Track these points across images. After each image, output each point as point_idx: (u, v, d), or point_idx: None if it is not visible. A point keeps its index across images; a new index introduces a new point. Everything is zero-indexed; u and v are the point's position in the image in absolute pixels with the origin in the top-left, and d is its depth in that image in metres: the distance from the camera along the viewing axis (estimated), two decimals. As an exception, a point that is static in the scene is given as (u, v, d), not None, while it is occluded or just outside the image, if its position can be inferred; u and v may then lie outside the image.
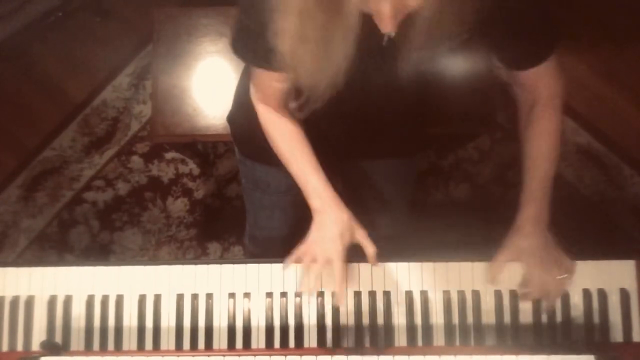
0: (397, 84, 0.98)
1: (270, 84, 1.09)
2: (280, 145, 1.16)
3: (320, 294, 1.14)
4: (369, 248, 1.11)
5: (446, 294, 1.13)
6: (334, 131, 1.22)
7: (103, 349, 1.13)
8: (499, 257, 1.12)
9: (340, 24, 0.80)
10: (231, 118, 1.42)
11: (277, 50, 0.89)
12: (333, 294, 1.12)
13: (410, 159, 1.44)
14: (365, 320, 1.13)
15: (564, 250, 1.11)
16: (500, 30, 0.98)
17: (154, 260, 2.05)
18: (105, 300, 1.14)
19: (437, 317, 1.13)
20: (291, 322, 1.13)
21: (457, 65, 1.01)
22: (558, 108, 1.11)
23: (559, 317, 1.12)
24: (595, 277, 1.14)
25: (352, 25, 0.80)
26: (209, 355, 1.05)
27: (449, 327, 1.12)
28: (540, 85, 1.10)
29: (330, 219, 1.12)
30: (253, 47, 1.00)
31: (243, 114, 1.35)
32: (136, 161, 2.18)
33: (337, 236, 1.09)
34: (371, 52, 0.94)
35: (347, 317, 1.13)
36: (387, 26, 0.82)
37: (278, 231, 1.49)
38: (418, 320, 1.12)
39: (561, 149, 1.13)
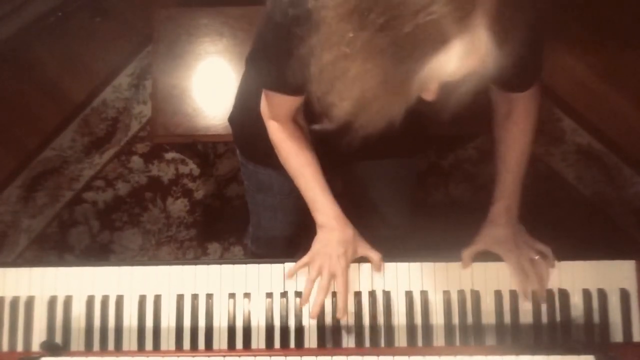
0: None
1: (287, 104, 1.11)
2: (289, 161, 1.18)
3: (320, 294, 1.14)
4: (374, 256, 1.15)
5: (446, 294, 1.13)
6: (335, 131, 1.22)
7: (103, 349, 1.13)
8: (473, 246, 1.16)
9: (401, 101, 0.81)
10: (233, 119, 1.42)
11: (304, 84, 0.89)
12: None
13: (410, 159, 1.44)
14: (365, 320, 1.13)
15: (546, 241, 1.17)
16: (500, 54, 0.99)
17: (154, 260, 2.05)
18: (105, 300, 1.15)
19: (437, 317, 1.13)
20: (291, 322, 1.13)
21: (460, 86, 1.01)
22: (533, 111, 1.16)
23: (559, 317, 1.12)
24: (595, 277, 1.14)
25: (410, 100, 0.81)
26: (209, 356, 1.05)
27: (449, 327, 1.12)
28: (521, 98, 1.14)
29: (335, 237, 1.14)
30: (277, 75, 1.00)
31: (244, 116, 1.35)
32: (136, 161, 2.18)
33: (342, 254, 1.12)
34: None
35: (347, 317, 1.13)
36: (430, 97, 0.84)
37: (281, 232, 1.49)
38: (418, 320, 1.12)
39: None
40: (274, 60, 0.98)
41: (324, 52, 0.81)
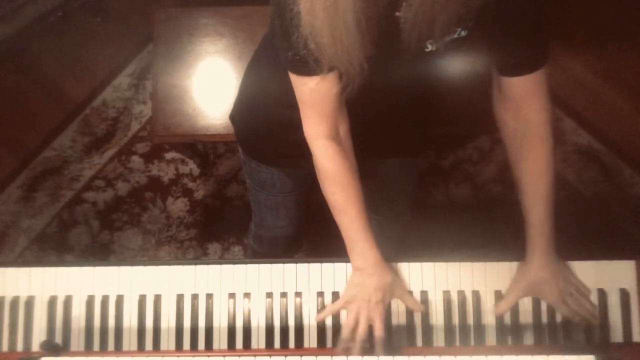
0: (403, 83, 0.98)
1: (319, 93, 1.04)
2: (335, 194, 1.11)
3: (320, 294, 1.14)
4: (415, 307, 1.12)
5: (446, 294, 1.13)
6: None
7: (103, 350, 1.13)
8: (511, 294, 1.12)
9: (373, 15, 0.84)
10: (234, 117, 1.41)
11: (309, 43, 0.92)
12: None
13: (412, 159, 1.44)
14: (365, 320, 1.12)
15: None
16: (500, 30, 0.99)
17: (154, 260, 2.05)
18: (105, 300, 1.14)
19: (437, 317, 1.13)
20: (291, 322, 1.13)
21: (458, 65, 1.01)
22: (548, 138, 1.08)
23: (559, 317, 1.12)
24: (595, 277, 1.14)
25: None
26: (209, 356, 1.05)
27: (449, 327, 1.12)
28: (529, 107, 1.07)
29: (374, 283, 1.09)
30: (293, 51, 0.98)
31: (247, 113, 1.34)
32: (136, 161, 2.18)
33: (380, 300, 1.09)
34: (385, 35, 0.95)
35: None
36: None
37: (283, 231, 1.49)
38: (418, 320, 1.12)
39: (557, 149, 1.11)
40: (286, 37, 0.96)
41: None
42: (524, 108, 1.07)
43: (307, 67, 0.99)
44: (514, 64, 1.05)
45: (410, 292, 1.13)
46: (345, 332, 1.08)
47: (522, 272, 1.12)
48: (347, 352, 1.06)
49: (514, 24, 0.98)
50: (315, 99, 1.05)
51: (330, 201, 1.11)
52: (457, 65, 1.03)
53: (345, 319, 1.11)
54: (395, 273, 1.13)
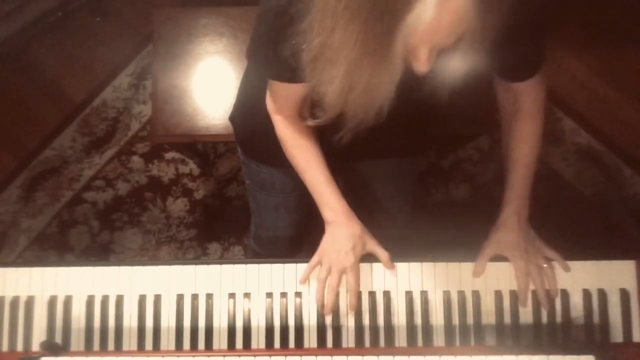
0: (408, 93, 0.99)
1: (290, 94, 1.11)
2: (295, 157, 1.19)
3: (320, 294, 1.14)
4: (383, 255, 1.15)
5: (446, 294, 1.13)
6: (330, 126, 1.22)
7: (103, 349, 1.13)
8: (484, 252, 1.15)
9: (386, 72, 0.82)
10: (234, 118, 1.41)
11: (305, 72, 0.91)
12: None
13: (411, 159, 1.44)
14: (365, 320, 1.13)
15: (546, 242, 1.17)
16: (501, 39, 0.99)
17: (154, 260, 2.05)
18: (105, 300, 1.15)
19: (437, 317, 1.13)
20: (291, 322, 1.13)
21: (458, 66, 1.01)
22: (540, 111, 1.16)
23: (559, 317, 1.12)
24: (595, 277, 1.14)
25: (397, 71, 0.83)
26: (209, 356, 1.05)
27: (449, 327, 1.12)
28: (526, 92, 1.14)
29: (343, 232, 1.14)
30: (276, 63, 1.00)
31: (246, 114, 1.35)
32: (136, 161, 2.18)
33: (350, 249, 1.12)
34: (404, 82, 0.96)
35: (347, 317, 1.13)
36: (422, 67, 0.85)
37: (283, 231, 1.49)
38: (418, 320, 1.12)
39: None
40: (271, 48, 0.98)
41: (315, 35, 0.83)
42: (523, 96, 1.15)
43: (288, 76, 1.00)
44: (512, 72, 1.11)
45: (386, 252, 1.15)
46: (318, 285, 1.12)
47: (493, 231, 1.17)
48: (322, 308, 1.11)
49: (514, 33, 0.99)
50: (288, 94, 1.10)
51: (293, 164, 1.19)
52: (457, 69, 1.04)
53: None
54: (364, 226, 1.16)
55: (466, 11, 0.75)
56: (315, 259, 1.15)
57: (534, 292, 1.13)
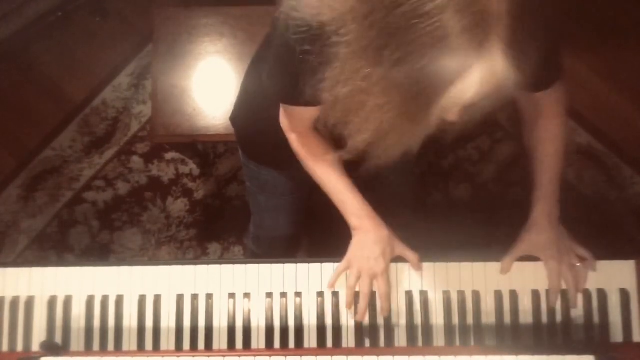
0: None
1: (306, 117, 1.10)
2: (316, 171, 1.17)
3: (320, 294, 1.14)
4: (412, 257, 1.14)
5: (446, 294, 1.13)
6: (350, 161, 1.22)
7: (103, 350, 1.13)
8: (515, 251, 1.14)
9: (421, 129, 0.82)
10: (235, 120, 1.41)
11: (320, 95, 0.87)
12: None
13: (411, 159, 1.44)
14: (365, 320, 1.13)
15: (578, 241, 1.16)
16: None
17: (154, 260, 2.05)
18: (105, 300, 1.15)
19: (437, 317, 1.13)
20: (291, 322, 1.13)
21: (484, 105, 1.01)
22: (563, 113, 1.14)
23: (559, 317, 1.12)
24: (595, 277, 1.14)
25: (431, 126, 0.81)
26: (209, 356, 1.05)
27: (449, 327, 1.12)
28: (547, 97, 1.12)
29: (371, 238, 1.13)
30: (292, 90, 0.97)
31: (247, 115, 1.34)
32: (136, 161, 2.18)
33: (380, 255, 1.12)
34: None
35: (348, 317, 1.13)
36: (454, 118, 0.83)
37: (283, 232, 1.49)
38: (418, 320, 1.12)
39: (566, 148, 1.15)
40: (289, 78, 0.96)
41: (339, 84, 0.80)
42: (544, 100, 1.12)
43: (304, 103, 0.97)
44: (535, 85, 1.08)
45: (415, 254, 1.14)
46: (348, 293, 1.11)
47: (524, 231, 1.15)
48: (357, 315, 1.10)
49: (531, 62, 0.99)
50: (304, 117, 1.09)
51: (314, 179, 1.17)
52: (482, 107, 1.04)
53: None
54: (391, 230, 1.15)
55: (508, 78, 0.72)
56: (343, 264, 1.14)
57: (534, 292, 1.13)
